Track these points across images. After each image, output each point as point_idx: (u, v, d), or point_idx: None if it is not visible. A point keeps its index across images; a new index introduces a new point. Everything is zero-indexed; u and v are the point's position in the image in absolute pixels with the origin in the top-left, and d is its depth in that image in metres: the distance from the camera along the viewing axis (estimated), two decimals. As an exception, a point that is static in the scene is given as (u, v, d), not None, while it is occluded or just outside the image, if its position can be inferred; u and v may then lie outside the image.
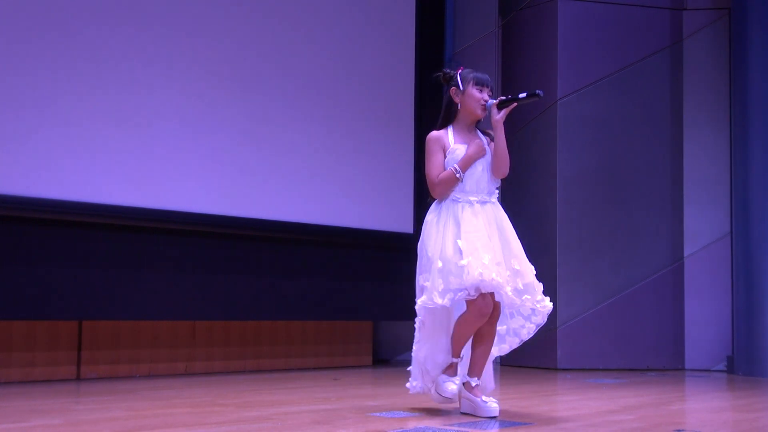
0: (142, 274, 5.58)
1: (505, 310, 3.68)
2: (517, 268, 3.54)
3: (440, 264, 3.48)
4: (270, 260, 6.24)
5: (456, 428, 3.22)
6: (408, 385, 3.75)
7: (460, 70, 3.69)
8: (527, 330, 3.73)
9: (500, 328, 3.71)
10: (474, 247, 3.45)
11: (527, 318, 3.71)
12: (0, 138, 4.88)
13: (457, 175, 3.57)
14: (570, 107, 7.03)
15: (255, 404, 4.01)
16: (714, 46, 7.16)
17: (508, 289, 3.48)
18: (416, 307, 3.58)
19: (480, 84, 3.64)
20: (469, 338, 3.61)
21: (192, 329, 5.91)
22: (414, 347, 3.69)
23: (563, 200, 6.96)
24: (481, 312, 3.48)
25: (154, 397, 4.31)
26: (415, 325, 3.65)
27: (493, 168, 3.64)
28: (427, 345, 3.64)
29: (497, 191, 3.69)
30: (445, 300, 3.44)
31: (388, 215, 6.60)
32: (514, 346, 3.78)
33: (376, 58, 6.76)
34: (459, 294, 3.44)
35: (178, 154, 5.61)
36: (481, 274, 3.39)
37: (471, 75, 3.65)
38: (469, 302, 3.49)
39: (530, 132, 7.24)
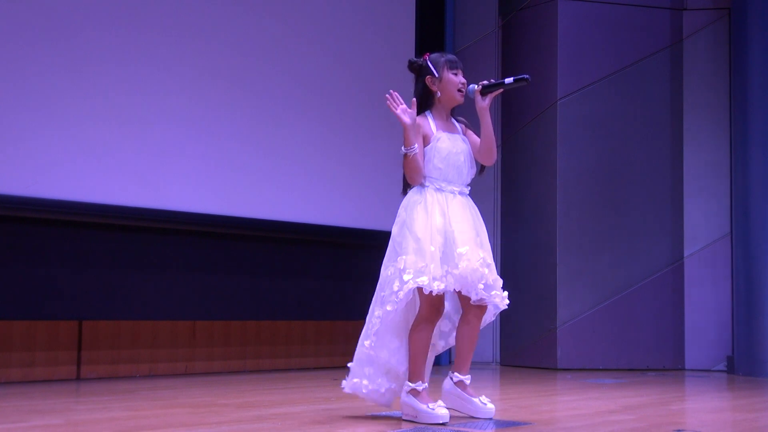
0: (142, 274, 5.58)
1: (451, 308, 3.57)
2: (489, 262, 3.44)
3: (432, 248, 3.32)
4: (270, 260, 6.24)
5: (455, 428, 3.22)
6: (345, 383, 3.52)
7: (427, 56, 3.56)
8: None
9: (444, 326, 3.60)
10: (469, 237, 3.39)
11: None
12: (0, 138, 4.89)
13: (411, 151, 3.44)
14: (570, 107, 7.03)
15: (255, 404, 4.01)
16: (714, 46, 7.15)
17: (481, 286, 3.38)
18: (403, 289, 3.27)
19: (454, 67, 3.51)
20: (426, 353, 3.42)
21: (192, 329, 5.91)
22: (367, 343, 3.42)
23: (563, 200, 6.96)
24: (433, 312, 3.37)
25: (154, 397, 4.30)
26: (375, 317, 3.40)
27: (482, 155, 3.52)
28: (392, 343, 3.42)
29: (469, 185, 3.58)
30: (435, 285, 3.27)
31: (387, 215, 6.57)
32: (453, 344, 3.63)
33: (375, 59, 6.76)
34: (440, 285, 3.28)
35: (178, 154, 5.61)
36: (480, 264, 3.32)
37: (442, 59, 3.53)
38: (421, 308, 3.35)
39: (530, 132, 7.24)
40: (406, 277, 3.30)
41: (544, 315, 6.93)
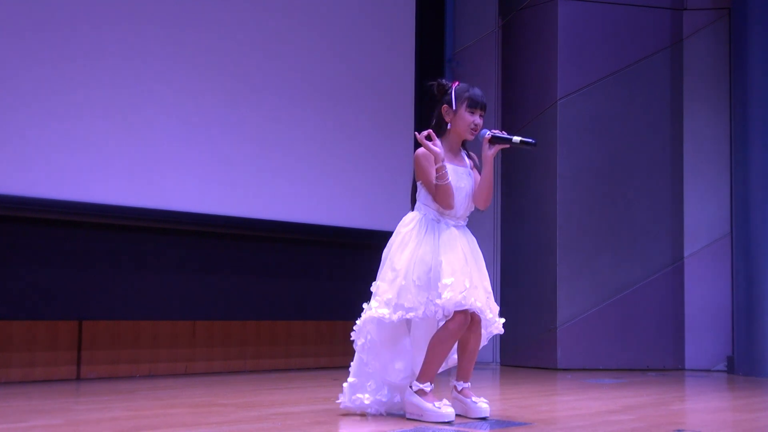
0: (142, 274, 5.58)
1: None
2: (489, 290, 3.54)
3: (403, 282, 3.40)
4: (270, 260, 6.24)
5: (456, 428, 3.22)
6: (344, 400, 3.55)
7: (455, 85, 3.57)
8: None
9: None
10: (454, 269, 3.40)
11: None
12: (0, 138, 4.88)
13: (447, 182, 3.46)
14: (570, 107, 7.03)
15: (255, 404, 4.01)
16: (714, 46, 7.15)
17: (488, 312, 3.48)
18: (363, 320, 3.43)
19: (473, 106, 3.51)
20: (444, 360, 3.51)
21: (192, 329, 5.91)
22: (357, 368, 3.52)
23: (563, 200, 6.96)
24: (462, 326, 3.42)
25: (154, 397, 4.30)
26: (356, 345, 3.49)
27: (477, 199, 3.57)
28: (383, 356, 3.49)
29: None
30: (395, 316, 3.38)
31: (388, 215, 6.58)
32: (451, 365, 3.69)
33: (376, 59, 6.76)
34: (410, 314, 3.38)
35: (178, 153, 5.61)
36: (464, 297, 3.36)
37: (466, 94, 3.52)
38: (452, 316, 3.40)
39: (530, 132, 7.23)
40: (373, 304, 3.43)
41: (544, 315, 6.93)
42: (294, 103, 6.24)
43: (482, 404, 3.51)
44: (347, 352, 6.76)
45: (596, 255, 6.97)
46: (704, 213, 7.05)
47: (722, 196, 7.02)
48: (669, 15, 7.22)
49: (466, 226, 3.61)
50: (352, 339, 3.53)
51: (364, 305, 3.47)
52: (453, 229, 3.52)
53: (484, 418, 3.48)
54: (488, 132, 3.54)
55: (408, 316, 3.40)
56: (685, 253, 7.04)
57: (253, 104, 6.02)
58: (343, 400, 3.56)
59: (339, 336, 6.72)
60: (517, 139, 3.52)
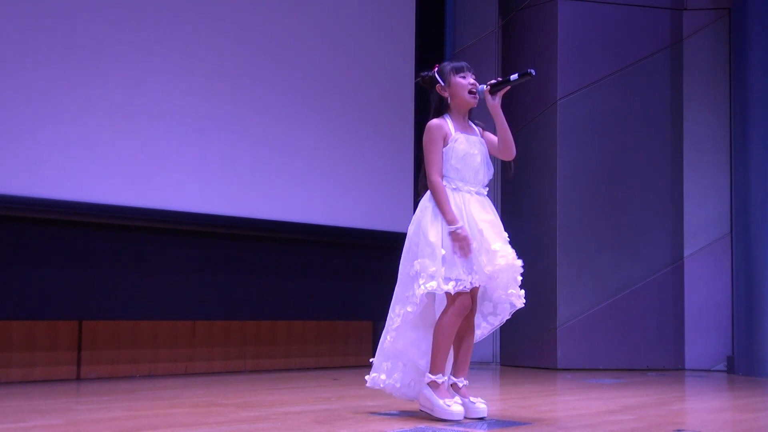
0: (142, 274, 5.57)
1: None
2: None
3: (444, 252, 3.43)
4: (270, 260, 6.24)
5: (456, 428, 3.22)
6: (368, 377, 3.64)
7: (436, 68, 3.66)
8: (481, 331, 3.70)
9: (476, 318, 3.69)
10: (497, 234, 3.49)
11: (484, 318, 3.69)
12: (0, 138, 4.88)
13: (452, 225, 3.47)
14: (570, 107, 7.03)
15: (255, 404, 4.01)
16: (714, 46, 7.16)
17: (512, 290, 3.51)
18: (417, 293, 3.41)
19: (460, 71, 3.61)
20: (450, 346, 3.54)
21: (192, 329, 5.91)
22: (387, 339, 3.56)
23: (563, 200, 6.97)
24: (464, 308, 3.45)
25: (154, 397, 4.31)
26: (395, 314, 3.53)
27: (501, 151, 3.63)
28: (408, 335, 3.54)
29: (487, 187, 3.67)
30: (449, 286, 3.39)
31: (388, 215, 6.59)
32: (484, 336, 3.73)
33: (376, 59, 6.76)
34: (460, 284, 3.41)
35: (178, 153, 5.61)
36: (514, 258, 3.45)
37: (449, 67, 3.63)
38: (450, 300, 3.44)
39: (530, 132, 7.24)
40: (420, 281, 3.42)
41: (544, 315, 6.93)
42: (294, 102, 6.24)
43: (480, 404, 3.52)
44: (347, 352, 6.83)
45: (596, 255, 6.97)
46: (704, 213, 7.05)
47: (722, 196, 7.02)
48: (669, 15, 7.22)
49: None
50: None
51: (423, 286, 3.41)
52: (476, 196, 3.56)
53: (481, 419, 3.49)
54: (485, 85, 3.59)
55: (458, 288, 3.41)
56: (685, 253, 7.04)
57: (253, 104, 6.02)
58: (367, 377, 3.66)
59: (339, 336, 6.73)
60: (514, 76, 3.55)
